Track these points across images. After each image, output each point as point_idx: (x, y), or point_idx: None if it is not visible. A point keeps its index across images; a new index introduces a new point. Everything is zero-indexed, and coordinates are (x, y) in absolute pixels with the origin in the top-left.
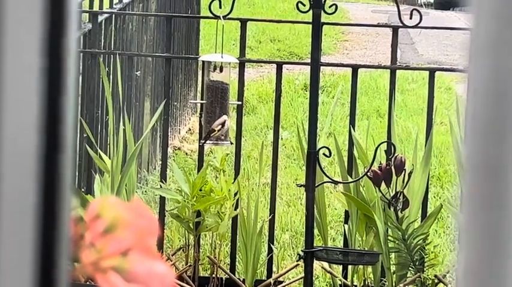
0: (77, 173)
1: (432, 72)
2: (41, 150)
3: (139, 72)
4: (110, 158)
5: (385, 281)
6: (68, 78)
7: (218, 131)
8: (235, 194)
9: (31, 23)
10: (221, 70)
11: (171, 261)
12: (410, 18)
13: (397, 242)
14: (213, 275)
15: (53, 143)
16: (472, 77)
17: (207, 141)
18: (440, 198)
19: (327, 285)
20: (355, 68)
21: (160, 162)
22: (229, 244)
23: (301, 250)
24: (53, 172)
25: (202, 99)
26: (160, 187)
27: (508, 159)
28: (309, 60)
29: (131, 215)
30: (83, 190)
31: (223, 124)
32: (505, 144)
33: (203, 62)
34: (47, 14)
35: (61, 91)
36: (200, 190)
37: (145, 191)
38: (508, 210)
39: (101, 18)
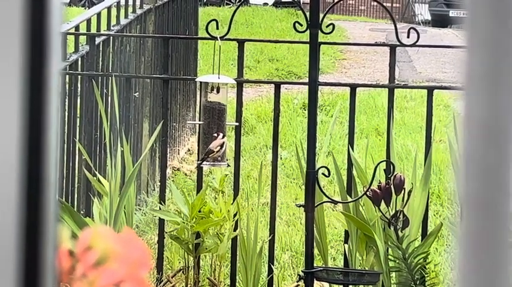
0: (75, 196)
1: (430, 90)
2: (22, 189)
3: (137, 93)
4: (108, 180)
5: None
6: (50, 116)
7: (216, 152)
8: (235, 215)
9: (11, 53)
10: (218, 91)
11: (171, 283)
12: (408, 36)
13: (397, 261)
14: None
15: (34, 182)
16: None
17: (204, 162)
18: (440, 216)
19: None
20: (353, 87)
21: (160, 183)
22: (229, 265)
23: (302, 271)
24: (36, 212)
25: (200, 120)
26: (160, 208)
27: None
28: (307, 80)
29: (122, 246)
30: (82, 212)
31: (221, 145)
32: (501, 150)
33: (200, 83)
34: (28, 44)
35: (43, 128)
36: (199, 211)
37: (145, 213)
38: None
39: (98, 40)
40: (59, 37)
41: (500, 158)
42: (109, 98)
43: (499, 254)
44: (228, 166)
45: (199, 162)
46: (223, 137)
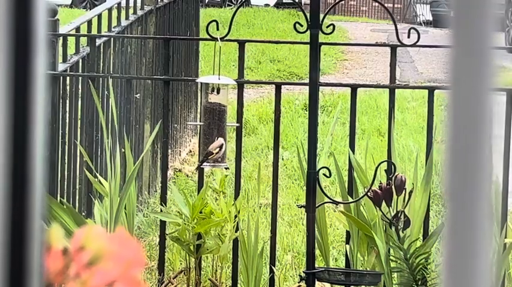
0: (77, 198)
1: (431, 90)
2: (7, 189)
3: (138, 94)
4: (108, 181)
5: None
6: (36, 115)
7: (216, 153)
8: (236, 216)
9: None
10: (218, 92)
11: (173, 284)
12: (408, 37)
13: (399, 261)
14: None
15: (20, 180)
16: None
17: (204, 164)
18: (442, 216)
19: None
20: (354, 88)
21: (161, 184)
22: (231, 266)
23: (303, 271)
24: (21, 211)
25: (200, 121)
26: (161, 210)
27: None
28: (308, 80)
29: (116, 245)
30: (83, 214)
31: (220, 147)
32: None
33: (201, 84)
34: (12, 44)
35: (29, 126)
36: (200, 212)
37: (146, 214)
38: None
39: (99, 41)
40: (44, 37)
41: (482, 154)
42: (110, 99)
43: (482, 247)
44: (227, 168)
45: (198, 163)
46: (219, 138)
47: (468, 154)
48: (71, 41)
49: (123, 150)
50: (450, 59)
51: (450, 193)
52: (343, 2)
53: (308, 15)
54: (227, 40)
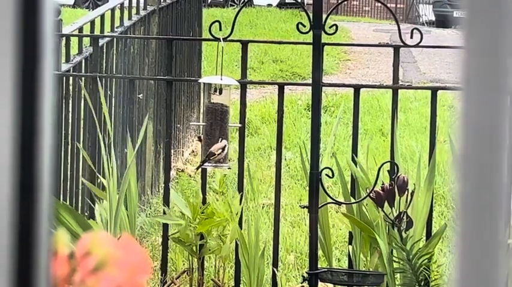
0: (79, 199)
1: (434, 91)
2: (14, 193)
3: (141, 95)
4: (106, 180)
5: None
6: (44, 116)
7: (218, 155)
8: (240, 216)
9: (3, 56)
10: (220, 92)
11: (175, 284)
12: (411, 37)
13: (401, 262)
14: None
15: (27, 182)
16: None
17: (206, 164)
18: (445, 217)
19: None
20: (356, 88)
21: (164, 185)
22: (234, 266)
23: (306, 272)
24: (28, 214)
25: (203, 121)
26: (164, 211)
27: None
28: (311, 81)
29: (121, 251)
30: (86, 214)
31: (223, 149)
32: (495, 153)
33: (204, 84)
34: (20, 46)
35: (36, 127)
36: (202, 213)
37: (149, 214)
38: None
39: (102, 42)
40: (52, 39)
41: (493, 159)
42: (113, 99)
43: (493, 253)
44: (229, 168)
45: (200, 164)
46: (222, 140)
47: (481, 157)
48: (74, 41)
49: (126, 150)
50: (461, 60)
51: (462, 199)
52: (345, 2)
53: (311, 15)
54: (230, 40)
